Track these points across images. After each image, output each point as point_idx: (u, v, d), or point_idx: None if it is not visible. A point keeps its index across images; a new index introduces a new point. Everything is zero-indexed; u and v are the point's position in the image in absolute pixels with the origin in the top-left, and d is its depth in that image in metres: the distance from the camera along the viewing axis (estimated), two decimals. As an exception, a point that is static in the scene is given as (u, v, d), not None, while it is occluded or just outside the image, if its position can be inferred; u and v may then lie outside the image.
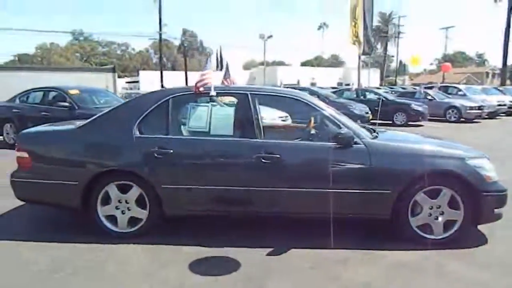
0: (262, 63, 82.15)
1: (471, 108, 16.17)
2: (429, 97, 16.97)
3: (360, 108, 13.80)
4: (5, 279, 3.07)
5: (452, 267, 3.31)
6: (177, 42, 77.59)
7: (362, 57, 21.39)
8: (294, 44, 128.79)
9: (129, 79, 48.52)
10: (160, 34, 34.84)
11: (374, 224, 3.96)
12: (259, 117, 3.80)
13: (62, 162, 3.84)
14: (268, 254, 3.51)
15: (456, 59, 73.31)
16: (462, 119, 16.09)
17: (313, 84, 42.29)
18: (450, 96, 18.21)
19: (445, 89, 19.53)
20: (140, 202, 3.76)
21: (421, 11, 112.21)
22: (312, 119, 4.30)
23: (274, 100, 4.34)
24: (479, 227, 3.93)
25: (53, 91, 9.17)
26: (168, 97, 3.87)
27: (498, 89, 22.21)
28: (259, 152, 3.61)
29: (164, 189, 3.69)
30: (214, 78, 3.84)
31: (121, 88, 30.66)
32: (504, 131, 14.17)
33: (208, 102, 3.96)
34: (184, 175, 3.72)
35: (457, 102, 16.56)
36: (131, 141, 3.75)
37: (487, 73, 65.15)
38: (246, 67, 77.15)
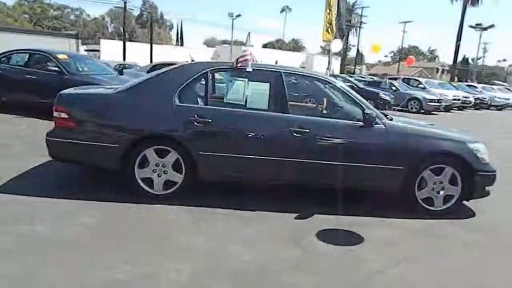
0: (224, 42, 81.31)
1: (431, 100, 17.40)
2: (394, 88, 18.02)
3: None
4: (60, 232, 3.23)
5: (451, 231, 3.91)
6: (135, 13, 74.78)
7: (323, 44, 22.13)
8: (257, 25, 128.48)
9: (86, 47, 46.29)
10: (125, 3, 33.55)
11: (382, 195, 4.48)
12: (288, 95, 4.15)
13: (104, 125, 4.00)
14: (297, 218, 3.92)
15: (410, 53, 76.66)
16: (422, 111, 17.28)
17: (276, 67, 42.68)
18: (411, 88, 19.39)
19: (407, 81, 20.75)
20: (176, 167, 4.01)
21: (381, 4, 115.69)
22: (325, 100, 4.73)
23: (303, 80, 4.70)
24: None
25: (39, 54, 8.83)
26: (207, 70, 4.10)
27: (452, 85, 23.89)
28: (291, 126, 3.98)
29: (201, 155, 3.96)
30: (253, 55, 4.12)
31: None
32: (465, 123, 15.44)
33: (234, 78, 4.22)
34: (221, 143, 4.01)
35: (419, 94, 17.74)
36: (171, 109, 3.96)
37: (437, 69, 69.05)
38: (207, 44, 76.06)
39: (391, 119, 4.30)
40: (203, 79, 4.08)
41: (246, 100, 4.07)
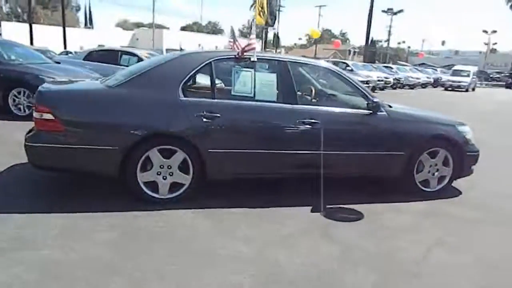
0: (138, 24, 77.15)
1: (361, 82, 18.27)
2: (327, 71, 18.59)
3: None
4: (81, 254, 2.77)
5: (451, 210, 4.14)
6: (36, -9, 67.59)
7: (241, 27, 22.13)
8: (171, 8, 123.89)
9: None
10: (28, -20, 29.98)
11: (376, 181, 4.58)
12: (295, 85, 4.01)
13: (98, 126, 3.49)
14: (313, 211, 3.85)
15: (324, 36, 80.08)
16: (353, 92, 18.11)
17: (199, 51, 41.59)
18: (341, 70, 20.18)
19: (335, 64, 21.56)
20: (182, 167, 3.68)
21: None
22: (313, 88, 4.67)
23: (310, 69, 4.55)
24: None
25: (-46, 40, 7.54)
26: (210, 60, 3.78)
27: (373, 66, 25.43)
28: (302, 117, 3.85)
29: (211, 154, 3.67)
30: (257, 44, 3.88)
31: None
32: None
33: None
34: (232, 140, 3.75)
35: (349, 76, 18.50)
36: (175, 104, 3.60)
37: (349, 51, 73.13)
38: (121, 27, 71.69)
39: (391, 106, 4.38)
40: (207, 70, 3.76)
41: (254, 92, 3.83)
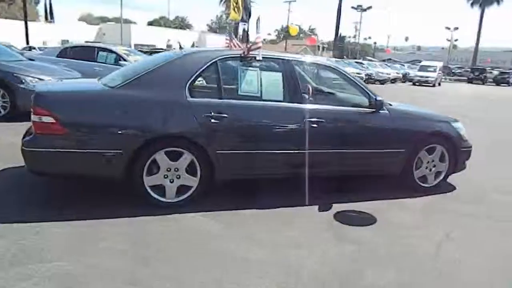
0: (102, 19, 74.90)
1: (336, 78, 18.54)
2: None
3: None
4: (96, 264, 2.65)
5: (449, 205, 4.25)
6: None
7: (209, 22, 21.86)
8: (137, 2, 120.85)
9: None
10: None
11: (373, 178, 4.64)
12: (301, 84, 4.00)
13: (103, 128, 3.34)
14: (320, 210, 3.85)
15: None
16: (328, 87, 18.33)
17: (169, 46, 40.96)
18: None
19: (309, 60, 21.74)
20: (189, 169, 3.59)
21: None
22: (310, 87, 4.68)
23: (314, 68, 4.53)
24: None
25: None
26: (215, 59, 3.69)
27: (345, 62, 25.83)
28: (309, 116, 3.84)
29: (219, 155, 3.60)
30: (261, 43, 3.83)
31: None
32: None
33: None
34: (239, 140, 3.70)
35: (325, 72, 18.72)
36: (183, 105, 3.50)
37: (318, 47, 73.98)
38: (84, 20, 69.39)
39: (391, 104, 4.44)
40: (213, 69, 3.67)
41: (261, 92, 3.78)
